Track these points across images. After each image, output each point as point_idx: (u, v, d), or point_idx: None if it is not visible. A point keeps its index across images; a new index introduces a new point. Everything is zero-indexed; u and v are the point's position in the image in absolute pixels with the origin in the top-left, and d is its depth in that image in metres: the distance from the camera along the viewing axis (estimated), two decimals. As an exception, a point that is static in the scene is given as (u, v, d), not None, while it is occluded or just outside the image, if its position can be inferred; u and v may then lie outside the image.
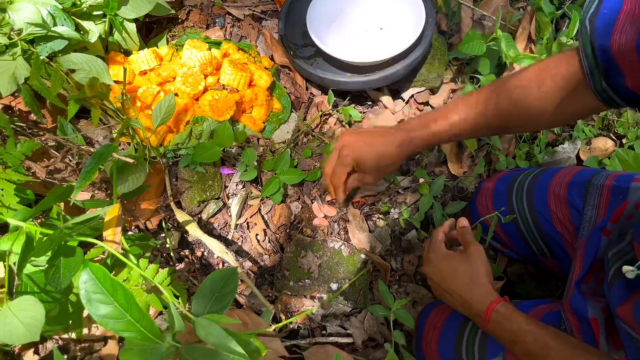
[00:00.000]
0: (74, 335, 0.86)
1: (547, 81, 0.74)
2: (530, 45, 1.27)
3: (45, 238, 0.70)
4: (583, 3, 1.13)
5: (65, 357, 0.90)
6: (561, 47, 1.15)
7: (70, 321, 0.84)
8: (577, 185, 0.92)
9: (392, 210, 1.13)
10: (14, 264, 0.73)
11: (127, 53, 1.11)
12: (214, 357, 0.64)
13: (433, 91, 1.27)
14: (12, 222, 0.71)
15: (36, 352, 0.90)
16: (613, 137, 1.33)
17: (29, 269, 0.77)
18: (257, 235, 1.07)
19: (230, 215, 1.08)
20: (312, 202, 1.11)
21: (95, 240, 0.73)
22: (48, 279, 0.71)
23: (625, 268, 0.64)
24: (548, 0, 1.27)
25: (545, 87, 0.75)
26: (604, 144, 1.32)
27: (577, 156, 1.27)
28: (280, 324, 0.88)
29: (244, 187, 1.10)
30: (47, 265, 0.72)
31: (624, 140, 1.32)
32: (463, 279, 0.82)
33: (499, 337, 0.76)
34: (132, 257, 0.79)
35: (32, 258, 0.73)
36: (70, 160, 0.93)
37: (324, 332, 1.00)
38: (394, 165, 0.92)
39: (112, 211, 0.78)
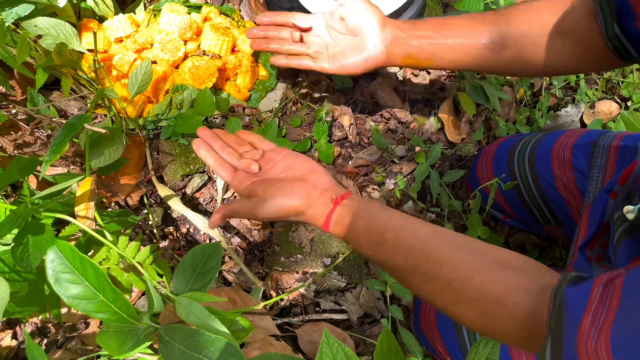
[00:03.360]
0: (52, 317, 0.82)
1: (553, 19, 0.69)
2: (531, 3, 1.20)
3: (9, 214, 0.65)
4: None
5: (45, 340, 0.86)
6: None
7: (47, 302, 0.80)
8: (582, 147, 0.87)
9: (387, 180, 1.07)
10: (-21, 242, 0.68)
11: (102, 20, 1.04)
12: (196, 337, 0.59)
13: (428, 55, 1.20)
14: (-27, 198, 0.66)
15: (14, 337, 0.86)
16: (618, 100, 1.28)
17: (-3, 248, 0.72)
18: (245, 209, 1.02)
19: (216, 190, 1.02)
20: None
21: (65, 216, 0.68)
22: (16, 259, 0.66)
23: (627, 208, 0.59)
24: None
25: (551, 26, 0.69)
26: (609, 107, 1.27)
27: (581, 120, 1.21)
28: (271, 301, 0.84)
29: (230, 159, 1.04)
30: (13, 244, 0.67)
31: (628, 103, 1.27)
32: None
33: (349, 242, 0.64)
34: (107, 234, 0.73)
35: (-3, 236, 0.68)
36: (41, 134, 0.87)
37: (317, 308, 0.96)
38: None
39: (83, 185, 0.73)
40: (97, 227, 0.74)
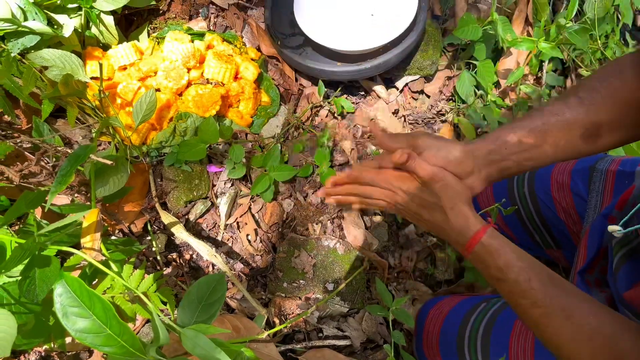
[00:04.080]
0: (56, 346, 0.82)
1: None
2: (528, 29, 1.23)
3: (17, 247, 0.65)
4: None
5: (49, 370, 0.86)
6: (560, 29, 1.10)
7: (52, 333, 0.80)
8: (580, 172, 0.88)
9: (388, 204, 1.08)
10: (-14, 276, 0.68)
11: (106, 47, 1.05)
12: (202, 371, 0.60)
13: (428, 79, 1.22)
14: (-19, 231, 0.66)
15: (17, 366, 0.86)
16: (614, 122, 1.29)
17: (3, 279, 0.73)
18: (248, 235, 1.03)
19: (220, 215, 1.03)
20: (305, 199, 1.06)
21: (71, 249, 0.68)
22: (22, 292, 0.67)
23: (612, 228, 0.61)
24: (544, -19, 1.22)
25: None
26: (605, 129, 1.28)
27: (578, 142, 1.22)
28: (274, 329, 0.84)
29: (232, 185, 1.05)
30: (20, 277, 0.67)
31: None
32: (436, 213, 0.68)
33: (481, 271, 0.66)
34: (113, 265, 0.74)
35: (5, 270, 0.68)
36: (47, 163, 0.88)
37: (320, 334, 0.96)
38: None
39: (90, 216, 0.73)
40: (103, 257, 0.75)
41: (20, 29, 0.87)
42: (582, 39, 1.09)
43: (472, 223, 0.64)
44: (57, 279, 0.60)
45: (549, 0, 1.21)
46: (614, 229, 0.63)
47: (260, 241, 1.03)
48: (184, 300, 0.68)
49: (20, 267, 0.69)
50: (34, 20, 0.89)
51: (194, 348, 0.62)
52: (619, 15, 1.28)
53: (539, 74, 1.27)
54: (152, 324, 0.66)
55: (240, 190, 1.05)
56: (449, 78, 1.22)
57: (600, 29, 1.25)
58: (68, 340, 0.88)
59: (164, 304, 0.87)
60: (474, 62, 1.17)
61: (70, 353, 0.88)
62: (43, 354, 0.88)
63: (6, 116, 0.92)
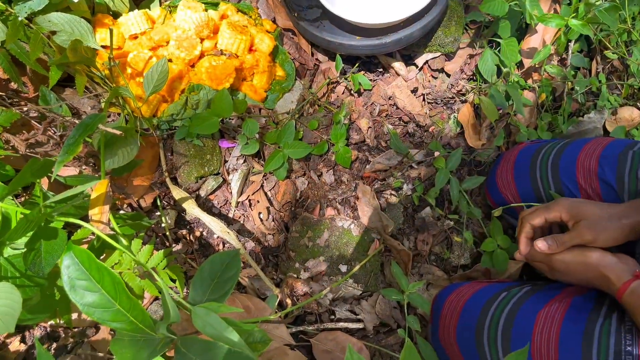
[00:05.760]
0: (62, 322, 0.80)
1: None
2: (555, 6, 1.17)
3: (22, 218, 0.62)
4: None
5: (54, 345, 0.84)
6: (589, 7, 1.05)
7: (58, 308, 0.77)
8: (609, 158, 0.84)
9: (404, 185, 1.04)
10: (-10, 247, 0.66)
11: (117, 15, 1.01)
12: (214, 351, 0.57)
13: (449, 56, 1.18)
14: (-15, 200, 0.63)
15: (23, 341, 0.84)
16: (639, 106, 1.24)
17: (8, 252, 0.70)
18: (260, 213, 1.00)
19: (231, 192, 1.00)
20: (319, 178, 1.03)
21: (78, 221, 0.65)
22: (27, 264, 0.64)
23: None
24: (574, -44, 1.16)
25: None
26: (630, 113, 1.24)
27: (603, 126, 1.18)
28: (286, 311, 0.82)
29: (245, 161, 1.01)
30: (25, 249, 0.64)
31: (652, 110, 1.23)
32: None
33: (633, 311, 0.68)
34: (122, 239, 0.71)
35: (9, 241, 0.65)
36: (54, 133, 0.85)
37: (332, 317, 0.93)
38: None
39: (98, 188, 0.70)
40: (111, 231, 0.72)
41: (27, -9, 0.83)
42: (612, 17, 1.04)
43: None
44: (65, 251, 0.57)
45: (579, -23, 1.16)
46: None
47: (273, 220, 1.00)
48: (196, 277, 0.65)
49: (26, 239, 0.66)
50: (41, -18, 0.86)
51: (204, 327, 0.59)
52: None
53: (564, 55, 1.22)
54: (162, 300, 0.63)
55: (253, 167, 1.01)
56: (470, 56, 1.18)
57: (628, 9, 1.20)
58: (74, 316, 0.86)
59: (173, 281, 0.84)
60: (498, 39, 1.12)
61: (76, 329, 0.86)
62: (49, 329, 0.86)
63: (13, 83, 0.89)
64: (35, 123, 0.82)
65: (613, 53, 1.21)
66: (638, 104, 1.27)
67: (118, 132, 0.73)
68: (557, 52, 1.18)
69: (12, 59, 0.85)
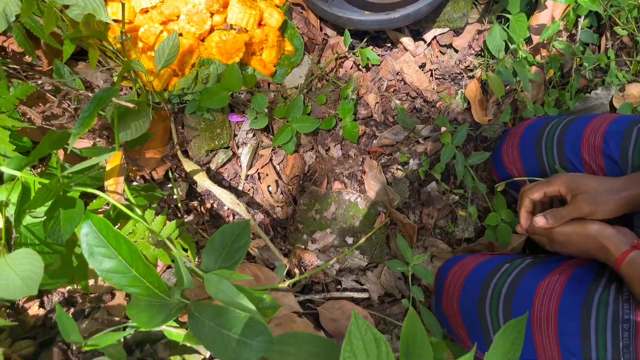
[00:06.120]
0: (79, 288, 0.83)
1: None
2: (566, -19, 1.16)
3: (41, 188, 0.65)
4: None
5: (72, 309, 0.88)
6: (600, -18, 1.05)
7: (75, 274, 0.81)
8: (614, 134, 0.85)
9: (411, 160, 1.06)
10: (12, 215, 0.68)
11: (127, -11, 1.02)
12: (225, 315, 0.60)
13: (457, 32, 1.18)
14: (6, 170, 0.66)
15: (41, 305, 0.87)
16: (648, 83, 1.24)
17: (28, 220, 0.73)
18: (268, 186, 1.02)
19: (241, 166, 1.02)
20: (327, 152, 1.05)
21: (95, 191, 0.68)
22: (47, 232, 0.67)
23: None
24: None
25: None
26: (638, 90, 1.23)
27: (610, 103, 1.18)
28: (294, 279, 0.84)
29: (254, 135, 1.03)
30: (45, 217, 0.67)
31: (660, 87, 1.23)
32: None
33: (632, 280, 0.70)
34: (136, 209, 0.74)
35: (29, 209, 0.68)
36: (69, 105, 0.87)
37: (338, 286, 0.96)
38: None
39: (113, 159, 0.73)
40: (126, 201, 0.74)
41: (40, -35, 0.84)
42: (623, -7, 1.04)
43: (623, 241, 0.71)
44: (83, 220, 0.59)
45: (590, -49, 1.14)
46: None
47: (281, 193, 1.02)
48: (207, 246, 0.68)
49: (44, 208, 0.69)
50: (54, -44, 0.86)
51: (217, 293, 0.62)
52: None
53: (573, 31, 1.21)
54: (176, 267, 0.66)
55: (262, 141, 1.03)
56: (479, 32, 1.18)
57: (640, -16, 1.19)
58: (91, 282, 0.89)
59: (185, 250, 0.87)
60: (507, 15, 1.12)
61: (93, 295, 0.89)
62: (66, 295, 0.89)
63: (27, 57, 0.91)
64: (50, 96, 0.84)
65: (623, 29, 1.20)
66: (647, 80, 1.26)
67: (131, 105, 0.75)
68: (566, 28, 1.18)
69: (27, 32, 0.86)
